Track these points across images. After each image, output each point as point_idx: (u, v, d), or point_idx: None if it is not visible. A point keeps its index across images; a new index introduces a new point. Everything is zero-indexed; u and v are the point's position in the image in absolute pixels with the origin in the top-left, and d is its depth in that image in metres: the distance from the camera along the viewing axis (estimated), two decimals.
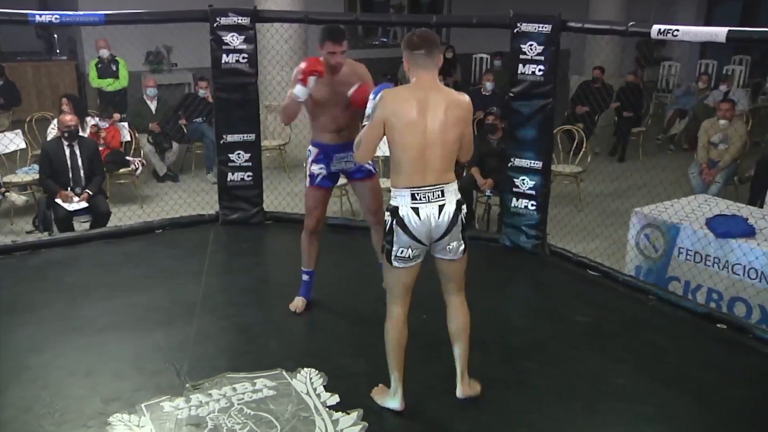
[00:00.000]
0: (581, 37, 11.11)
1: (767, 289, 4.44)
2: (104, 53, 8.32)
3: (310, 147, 4.11)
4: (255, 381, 3.55)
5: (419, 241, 3.08)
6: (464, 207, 3.14)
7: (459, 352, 3.31)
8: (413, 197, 3.03)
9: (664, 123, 10.35)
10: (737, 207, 5.26)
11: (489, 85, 8.75)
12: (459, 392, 3.34)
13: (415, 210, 3.03)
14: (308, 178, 4.12)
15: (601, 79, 9.59)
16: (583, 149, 7.52)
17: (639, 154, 9.31)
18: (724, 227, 4.71)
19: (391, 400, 3.29)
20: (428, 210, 3.03)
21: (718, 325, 4.28)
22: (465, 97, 3.13)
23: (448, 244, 3.11)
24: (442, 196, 3.05)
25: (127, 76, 8.54)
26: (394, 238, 3.09)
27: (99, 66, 8.44)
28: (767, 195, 6.01)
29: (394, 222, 3.07)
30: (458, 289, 3.28)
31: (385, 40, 12.84)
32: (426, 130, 3.00)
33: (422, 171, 3.02)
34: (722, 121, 7.25)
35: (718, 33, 3.96)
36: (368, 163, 4.02)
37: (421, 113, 3.00)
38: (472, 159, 6.47)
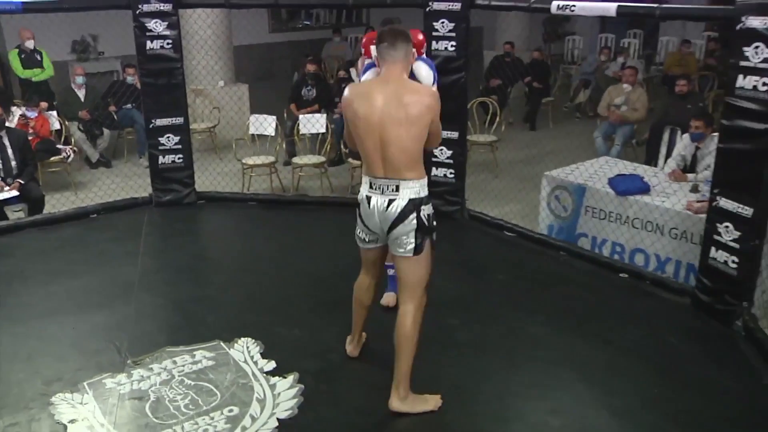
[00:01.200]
0: (493, 15, 11.23)
1: (661, 240, 4.64)
2: (29, 44, 7.92)
3: None
4: (194, 353, 3.51)
5: (369, 228, 3.00)
6: (426, 209, 2.91)
7: (396, 362, 3.03)
8: (370, 185, 2.92)
9: (570, 93, 10.60)
10: (635, 167, 5.46)
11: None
12: (390, 403, 3.04)
13: (368, 198, 2.93)
14: None
15: (511, 54, 9.73)
16: (498, 119, 7.64)
17: (549, 123, 9.51)
18: (624, 185, 4.88)
19: (348, 344, 3.45)
20: (377, 201, 2.89)
21: (621, 275, 4.46)
22: (429, 91, 2.94)
23: (397, 239, 2.92)
24: (396, 191, 2.85)
25: (51, 66, 8.16)
26: (357, 218, 3.06)
27: (22, 56, 8.03)
28: (660, 155, 6.25)
29: (357, 204, 3.03)
30: (407, 297, 3.01)
31: (308, 23, 12.67)
32: (383, 124, 2.80)
33: (380, 163, 2.85)
34: (626, 86, 7.50)
35: (609, 8, 4.08)
36: None
37: (378, 107, 2.81)
38: None
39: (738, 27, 3.47)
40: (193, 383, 3.27)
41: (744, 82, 3.49)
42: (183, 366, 3.41)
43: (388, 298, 3.93)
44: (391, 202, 2.87)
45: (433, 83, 3.38)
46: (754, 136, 3.51)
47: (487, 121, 7.75)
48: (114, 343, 3.61)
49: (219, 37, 7.48)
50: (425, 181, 2.91)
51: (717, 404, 3.18)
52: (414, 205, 2.86)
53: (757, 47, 3.39)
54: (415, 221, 2.87)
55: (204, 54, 6.73)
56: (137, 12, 5.28)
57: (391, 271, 3.86)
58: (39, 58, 8.00)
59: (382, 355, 3.46)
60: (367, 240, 3.08)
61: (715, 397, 3.22)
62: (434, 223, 2.97)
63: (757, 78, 3.42)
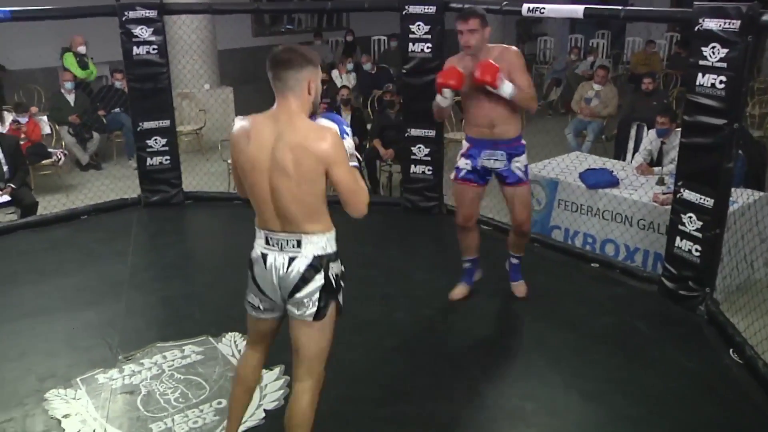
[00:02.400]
0: None
1: (630, 231, 4.69)
2: (81, 49, 8.05)
3: (463, 140, 3.72)
4: (183, 348, 3.51)
5: (264, 293, 2.37)
6: (334, 267, 2.33)
7: None
8: (266, 241, 2.33)
9: (543, 91, 10.65)
10: (604, 161, 5.51)
11: (367, 66, 8.82)
12: None
13: (263, 256, 2.33)
14: (453, 171, 3.70)
15: None
16: None
17: (522, 120, 9.54)
18: (594, 179, 4.92)
19: None
20: (275, 259, 2.30)
21: (592, 264, 4.51)
22: (326, 134, 2.19)
23: (297, 301, 2.31)
24: (298, 246, 2.27)
25: (95, 69, 8.35)
26: (248, 280, 2.43)
27: (77, 60, 8.17)
28: (627, 150, 6.30)
29: (249, 263, 2.41)
30: (304, 372, 2.40)
31: (291, 26, 12.62)
32: (271, 170, 2.21)
33: (275, 215, 2.27)
34: (596, 85, 7.55)
35: (577, 10, 4.12)
36: (520, 169, 3.58)
37: (266, 149, 2.21)
38: (372, 131, 6.57)
39: (696, 28, 3.51)
40: (182, 377, 3.27)
41: (703, 80, 3.53)
42: (173, 361, 3.40)
43: (458, 291, 3.94)
44: (292, 260, 2.28)
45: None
46: (713, 130, 3.55)
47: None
48: (105, 339, 3.60)
49: (203, 41, 7.43)
50: (333, 234, 2.34)
51: (681, 385, 3.23)
52: (320, 262, 2.29)
53: (713, 47, 3.44)
54: (322, 281, 2.29)
55: (189, 58, 6.68)
56: (123, 19, 5.25)
57: (467, 264, 3.94)
58: (86, 61, 8.10)
59: (364, 345, 3.49)
60: (261, 308, 2.42)
61: (680, 378, 3.27)
62: (342, 284, 2.37)
63: (714, 76, 3.47)
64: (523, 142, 3.63)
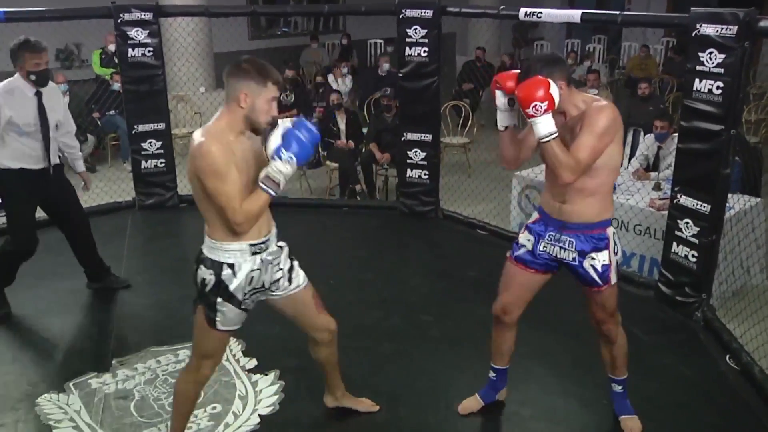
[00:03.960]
0: (465, 21, 11.28)
1: (626, 236, 4.68)
2: (111, 47, 8.08)
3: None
4: (178, 352, 3.49)
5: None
6: (204, 272, 2.40)
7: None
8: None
9: None
10: None
11: (386, 66, 8.75)
12: None
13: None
14: (512, 246, 2.84)
15: (483, 59, 9.78)
16: (470, 122, 7.67)
17: (519, 125, 9.55)
18: None
19: None
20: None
21: None
22: (200, 148, 2.23)
23: None
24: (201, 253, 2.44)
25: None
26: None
27: (103, 56, 8.42)
28: (624, 155, 6.31)
29: None
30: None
31: (287, 30, 12.61)
32: None
33: None
34: (591, 90, 7.57)
35: (574, 14, 4.12)
36: (596, 268, 2.62)
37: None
38: (369, 135, 6.57)
39: (693, 34, 3.52)
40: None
41: (700, 85, 3.54)
42: (167, 365, 3.39)
43: (469, 404, 3.07)
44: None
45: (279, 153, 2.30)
46: (709, 136, 3.56)
47: (459, 124, 7.78)
48: (99, 343, 3.59)
49: (199, 44, 7.43)
50: (222, 245, 2.37)
51: (678, 391, 3.23)
52: (197, 264, 2.42)
53: (711, 53, 3.45)
54: (199, 284, 2.42)
55: (185, 61, 6.67)
56: (119, 21, 5.23)
57: (492, 375, 3.06)
58: (117, 60, 8.16)
59: (359, 350, 3.47)
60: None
61: (677, 385, 3.27)
62: (214, 298, 2.39)
63: (711, 82, 3.48)
64: (609, 232, 2.62)
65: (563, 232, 2.62)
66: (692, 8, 3.56)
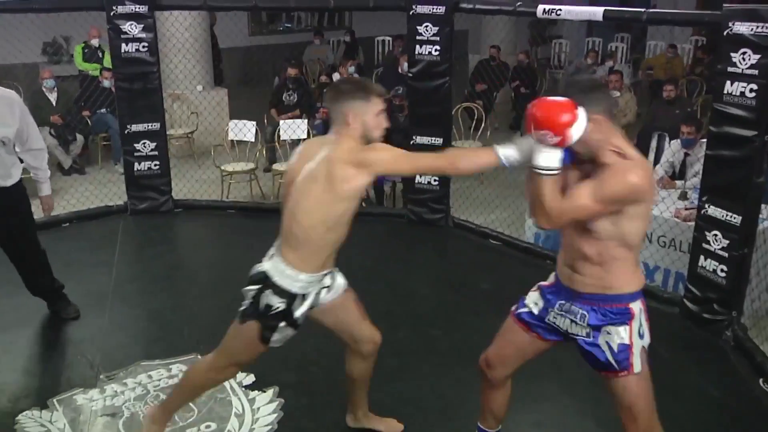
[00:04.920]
0: (478, 18, 11.29)
1: (649, 248, 4.65)
2: (95, 42, 8.26)
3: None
4: (170, 367, 3.48)
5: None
6: (270, 296, 2.51)
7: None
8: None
9: None
10: None
11: (406, 65, 8.72)
12: None
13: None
14: (519, 300, 2.62)
15: (497, 58, 9.78)
16: (483, 125, 7.66)
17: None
18: None
19: None
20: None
21: None
22: (339, 147, 2.37)
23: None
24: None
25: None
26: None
27: (85, 51, 8.43)
28: (648, 161, 6.29)
29: None
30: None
31: (289, 25, 12.66)
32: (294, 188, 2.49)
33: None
34: (613, 92, 7.55)
35: (596, 12, 4.12)
36: (611, 347, 2.35)
37: (298, 168, 2.50)
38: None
39: (725, 32, 3.51)
40: None
41: (732, 88, 3.53)
42: (158, 380, 3.38)
43: None
44: None
45: None
46: (741, 142, 3.54)
47: (472, 127, 7.78)
48: (86, 356, 3.58)
49: (197, 40, 7.45)
50: (299, 275, 2.49)
51: (705, 415, 3.20)
52: (263, 282, 2.55)
53: (744, 53, 3.44)
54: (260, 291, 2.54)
55: (182, 57, 6.69)
56: (111, 14, 5.25)
57: None
58: (101, 55, 8.21)
59: None
60: None
61: (704, 408, 3.24)
62: (277, 322, 2.52)
63: (744, 84, 3.46)
64: (634, 308, 2.34)
65: (574, 303, 2.37)
66: (725, 5, 3.55)
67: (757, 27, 3.36)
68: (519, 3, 4.70)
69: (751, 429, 3.13)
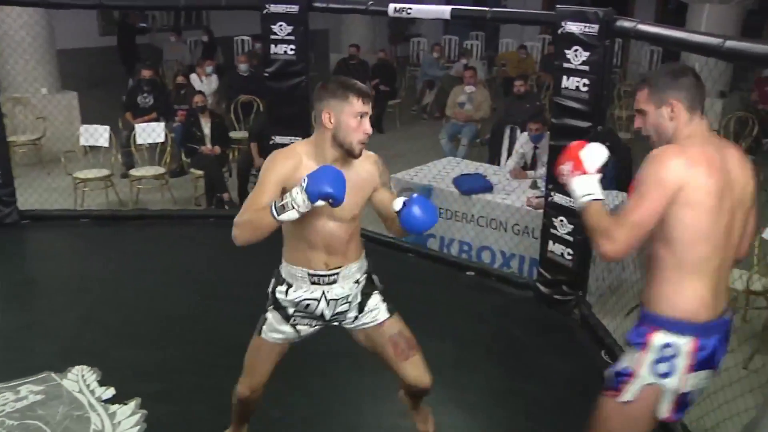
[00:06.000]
0: (338, 18, 11.38)
1: (504, 236, 4.91)
2: None
3: None
4: (18, 389, 3.29)
5: None
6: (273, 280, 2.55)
7: None
8: None
9: (416, 94, 10.96)
10: (477, 166, 5.74)
11: (243, 67, 8.66)
12: None
13: None
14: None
15: (357, 56, 9.92)
16: None
17: (396, 125, 9.78)
18: (467, 185, 5.12)
19: None
20: None
21: (468, 273, 4.69)
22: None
23: None
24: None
25: None
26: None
27: None
28: (502, 153, 6.62)
29: None
30: None
31: (144, 25, 12.19)
32: None
33: None
34: (468, 87, 7.84)
35: (445, 11, 4.30)
36: (627, 363, 2.14)
37: None
38: (251, 134, 6.47)
39: (559, 31, 3.77)
40: (17, 423, 3.06)
41: (568, 82, 3.80)
42: (4, 405, 3.17)
43: None
44: None
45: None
46: (579, 133, 3.79)
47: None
48: None
49: (36, 39, 7.00)
50: (287, 265, 2.48)
51: (558, 391, 3.42)
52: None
53: (576, 50, 3.71)
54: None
55: (19, 58, 6.29)
56: None
57: None
58: None
59: (231, 371, 3.41)
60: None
61: (557, 384, 3.47)
62: (268, 306, 2.54)
63: (578, 79, 3.74)
64: (654, 339, 2.04)
65: None
66: (557, 6, 3.81)
67: (585, 27, 3.65)
68: (371, 2, 4.80)
69: (596, 397, 3.37)
